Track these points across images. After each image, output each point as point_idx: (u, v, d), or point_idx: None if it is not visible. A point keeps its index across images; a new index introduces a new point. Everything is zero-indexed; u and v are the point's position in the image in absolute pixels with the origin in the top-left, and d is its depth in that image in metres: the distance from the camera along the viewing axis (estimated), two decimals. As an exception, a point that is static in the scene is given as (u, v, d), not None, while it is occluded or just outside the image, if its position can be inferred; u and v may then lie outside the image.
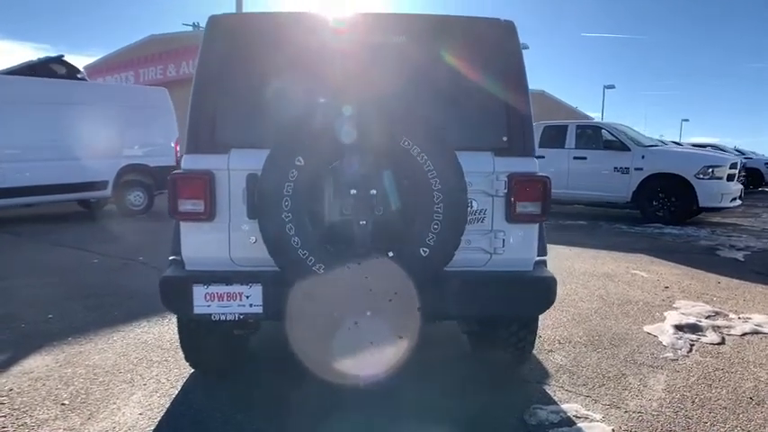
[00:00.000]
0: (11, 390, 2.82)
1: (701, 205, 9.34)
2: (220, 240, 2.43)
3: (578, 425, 2.55)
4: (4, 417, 2.55)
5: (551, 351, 3.49)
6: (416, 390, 2.85)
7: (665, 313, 4.33)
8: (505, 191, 2.45)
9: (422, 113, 2.21)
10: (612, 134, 10.23)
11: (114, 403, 2.70)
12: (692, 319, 4.14)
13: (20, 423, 2.50)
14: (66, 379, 2.96)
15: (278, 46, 2.47)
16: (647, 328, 3.96)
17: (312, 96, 2.29)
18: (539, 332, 3.73)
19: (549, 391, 2.91)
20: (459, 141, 2.35)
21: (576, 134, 10.54)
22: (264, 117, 2.42)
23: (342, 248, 2.22)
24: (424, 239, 2.17)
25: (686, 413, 2.69)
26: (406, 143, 2.12)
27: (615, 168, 9.83)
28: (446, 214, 2.16)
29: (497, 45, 2.53)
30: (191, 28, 22.59)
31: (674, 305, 4.59)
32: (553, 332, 3.83)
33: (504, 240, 2.50)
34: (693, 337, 3.79)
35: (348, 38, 2.47)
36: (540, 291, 2.47)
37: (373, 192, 2.20)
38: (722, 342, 3.72)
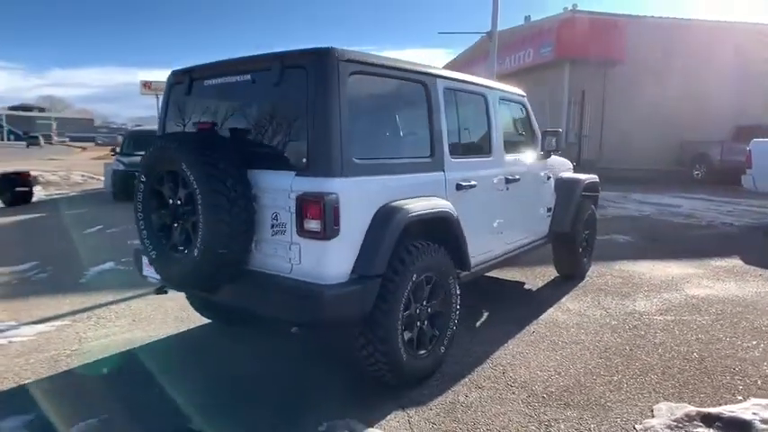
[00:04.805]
0: (129, 305, 4.64)
1: None
2: None
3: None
4: (98, 325, 4.32)
5: (481, 388, 3.12)
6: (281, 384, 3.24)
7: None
8: (295, 207, 2.66)
9: (199, 144, 2.75)
10: None
11: (150, 325, 4.16)
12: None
13: (102, 326, 4.19)
14: (157, 306, 4.59)
15: (181, 94, 3.38)
16: (658, 407, 2.92)
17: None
18: (507, 368, 3.35)
19: (383, 416, 2.81)
20: (273, 163, 2.83)
21: None
22: None
23: (166, 242, 2.99)
24: (196, 243, 2.72)
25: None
26: (184, 167, 2.71)
27: None
28: (206, 224, 2.66)
29: (309, 74, 2.70)
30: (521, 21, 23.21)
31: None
32: (529, 372, 3.30)
33: (298, 253, 2.71)
34: (711, 433, 2.63)
35: (206, 85, 3.22)
36: (301, 301, 2.63)
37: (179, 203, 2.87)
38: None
